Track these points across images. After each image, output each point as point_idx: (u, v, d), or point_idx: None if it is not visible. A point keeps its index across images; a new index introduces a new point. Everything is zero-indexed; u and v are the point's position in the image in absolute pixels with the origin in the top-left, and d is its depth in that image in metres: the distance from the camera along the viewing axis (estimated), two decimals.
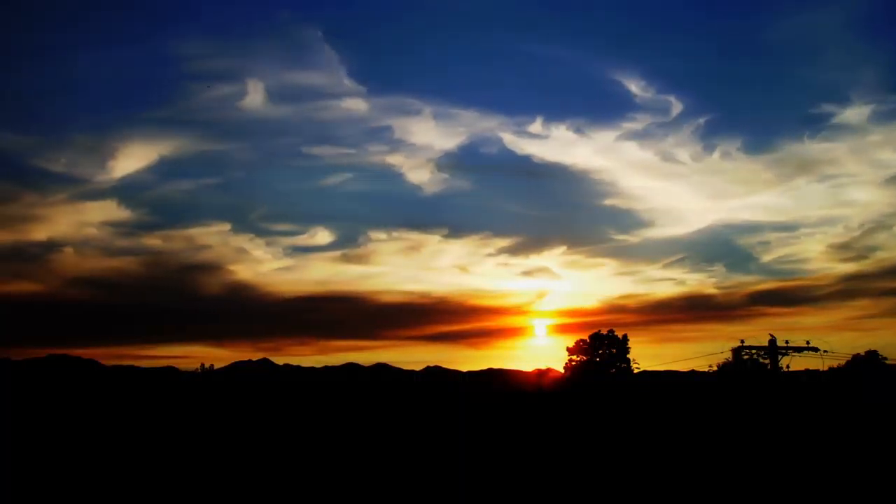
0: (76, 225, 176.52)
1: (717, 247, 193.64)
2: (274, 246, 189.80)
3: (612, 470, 36.78)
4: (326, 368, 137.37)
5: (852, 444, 41.58)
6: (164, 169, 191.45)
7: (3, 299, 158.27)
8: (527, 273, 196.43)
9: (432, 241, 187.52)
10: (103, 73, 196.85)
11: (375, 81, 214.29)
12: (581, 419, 57.44)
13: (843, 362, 63.43)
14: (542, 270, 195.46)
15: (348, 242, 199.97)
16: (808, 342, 41.05)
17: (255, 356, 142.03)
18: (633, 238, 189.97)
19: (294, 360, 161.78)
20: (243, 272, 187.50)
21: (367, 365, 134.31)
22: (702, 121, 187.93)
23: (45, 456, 40.40)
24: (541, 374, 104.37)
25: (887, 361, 76.39)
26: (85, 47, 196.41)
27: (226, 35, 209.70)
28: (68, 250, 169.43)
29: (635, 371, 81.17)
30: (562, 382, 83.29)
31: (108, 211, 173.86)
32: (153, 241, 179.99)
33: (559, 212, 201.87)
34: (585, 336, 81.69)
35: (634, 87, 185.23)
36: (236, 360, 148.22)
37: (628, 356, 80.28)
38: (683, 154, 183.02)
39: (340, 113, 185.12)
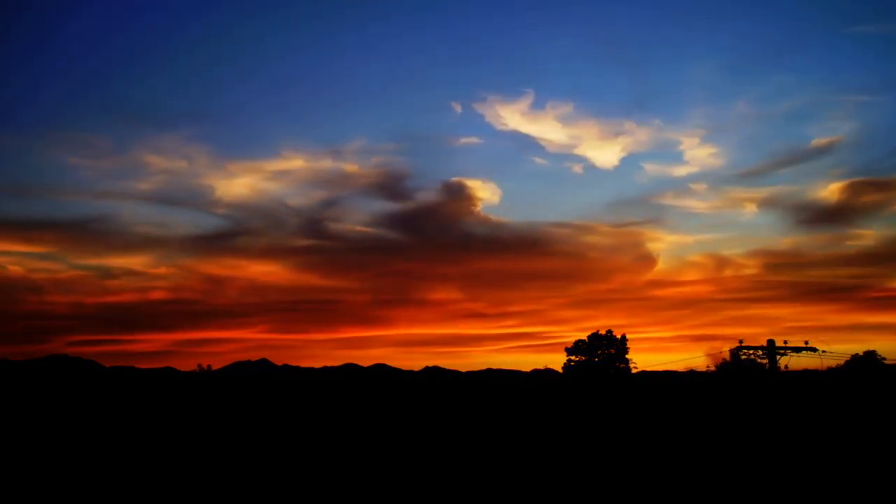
0: None
1: None
2: None
3: (612, 470, 36.78)
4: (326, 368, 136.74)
5: (852, 444, 41.56)
6: None
7: None
8: None
9: None
10: None
11: None
12: (579, 418, 57.43)
13: (841, 362, 63.37)
14: None
15: None
16: (806, 342, 40.89)
17: None
18: None
19: None
20: None
21: None
22: None
23: (43, 456, 40.36)
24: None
25: (886, 361, 76.57)
26: None
27: None
28: None
29: (634, 371, 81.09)
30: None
31: None
32: None
33: None
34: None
35: None
36: (236, 361, 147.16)
37: (627, 356, 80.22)
38: None
39: None
